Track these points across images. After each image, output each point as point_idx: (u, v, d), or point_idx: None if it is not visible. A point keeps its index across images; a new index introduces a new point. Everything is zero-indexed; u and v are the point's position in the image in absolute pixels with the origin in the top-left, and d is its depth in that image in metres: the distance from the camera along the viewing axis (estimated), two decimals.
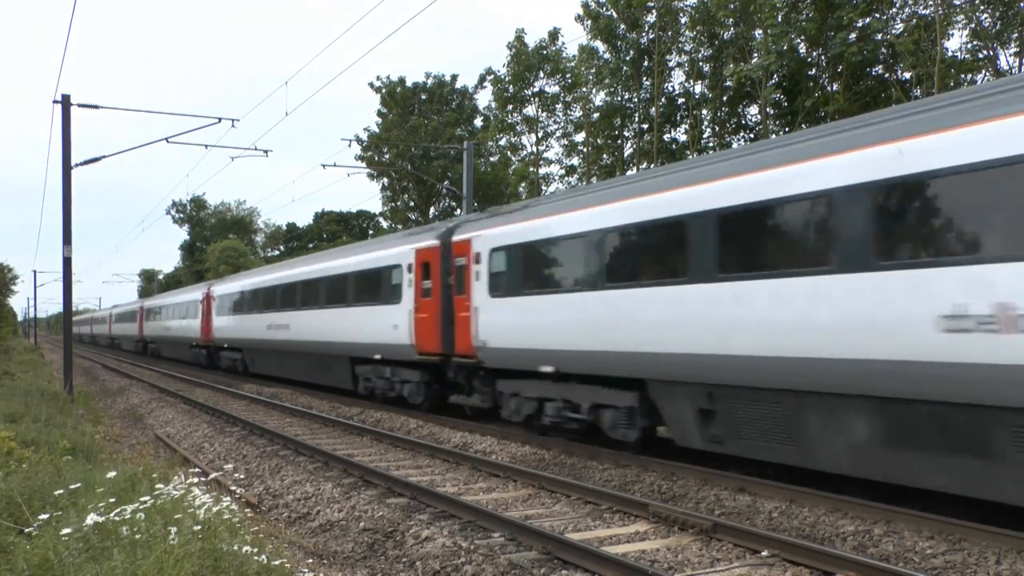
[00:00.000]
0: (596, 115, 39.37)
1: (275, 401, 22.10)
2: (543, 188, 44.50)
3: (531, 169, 45.32)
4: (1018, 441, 7.27)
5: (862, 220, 8.47)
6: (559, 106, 42.97)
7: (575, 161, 42.61)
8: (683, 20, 34.32)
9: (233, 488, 10.00)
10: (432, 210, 54.07)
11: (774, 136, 29.90)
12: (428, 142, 48.88)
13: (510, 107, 43.47)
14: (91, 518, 5.36)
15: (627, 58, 36.21)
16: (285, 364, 26.52)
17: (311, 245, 72.14)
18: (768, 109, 31.30)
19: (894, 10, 27.07)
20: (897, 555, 7.36)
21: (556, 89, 42.65)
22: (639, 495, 9.94)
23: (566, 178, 43.12)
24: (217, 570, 5.06)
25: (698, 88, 35.47)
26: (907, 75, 27.61)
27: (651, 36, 35.33)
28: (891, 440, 8.33)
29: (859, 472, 8.80)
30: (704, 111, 35.49)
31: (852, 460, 8.80)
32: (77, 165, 21.69)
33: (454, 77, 54.42)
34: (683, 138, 36.60)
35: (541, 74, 42.47)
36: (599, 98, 38.77)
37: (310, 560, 7.46)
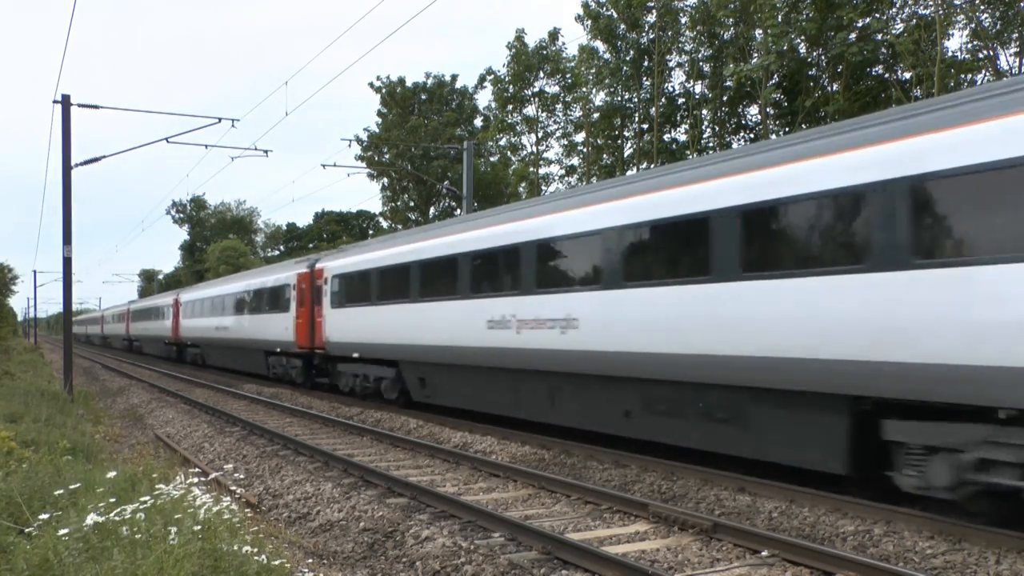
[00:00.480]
0: (596, 115, 39.39)
1: (275, 401, 22.10)
2: (543, 188, 44.52)
3: (531, 169, 45.34)
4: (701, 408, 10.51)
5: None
6: (559, 106, 42.99)
7: (575, 161, 42.65)
8: (683, 20, 34.33)
9: (233, 488, 9.99)
10: (432, 210, 54.10)
11: (774, 136, 29.91)
12: (428, 142, 48.90)
13: (510, 107, 43.48)
14: (91, 518, 5.35)
15: (627, 58, 36.23)
16: (226, 356, 33.81)
17: (311, 245, 72.17)
18: (768, 109, 31.31)
19: (894, 10, 27.09)
20: (897, 555, 7.36)
21: (556, 89, 42.69)
22: (639, 495, 9.94)
23: (566, 178, 43.18)
24: (217, 570, 5.06)
25: (698, 88, 35.52)
26: (907, 75, 27.62)
27: (651, 36, 35.35)
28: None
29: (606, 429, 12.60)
30: (704, 111, 35.51)
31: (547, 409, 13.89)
32: (77, 165, 21.70)
33: (454, 77, 54.47)
34: (683, 138, 36.63)
35: (541, 74, 42.49)
36: (599, 98, 38.84)
37: (310, 560, 7.46)
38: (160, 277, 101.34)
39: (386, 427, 16.86)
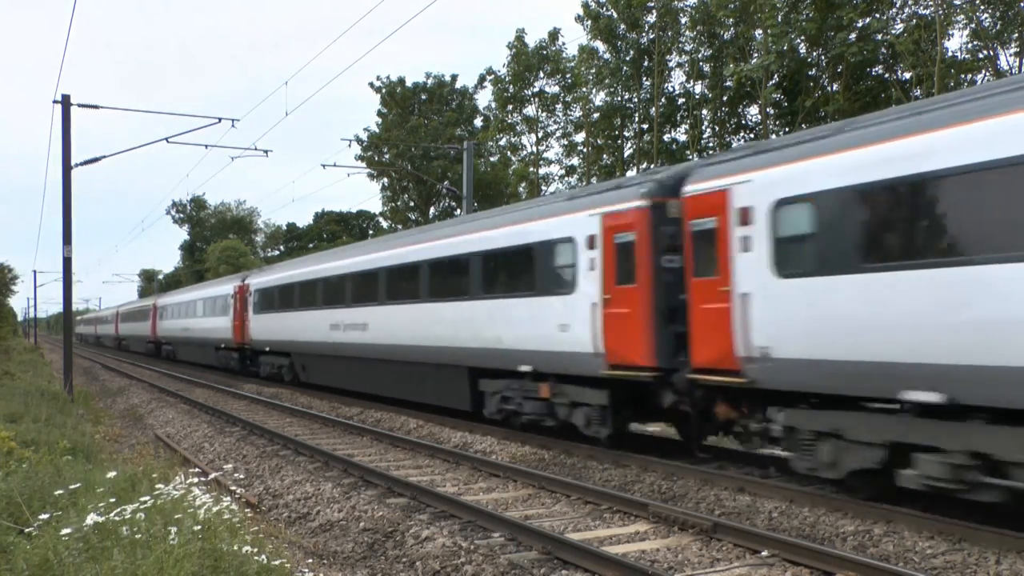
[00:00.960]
0: (596, 115, 39.38)
1: (275, 401, 22.10)
2: (543, 188, 44.51)
3: (531, 169, 45.33)
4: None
5: None
6: (559, 106, 42.97)
7: (575, 161, 42.65)
8: (683, 20, 34.33)
9: (233, 488, 9.99)
10: (432, 210, 54.10)
11: (774, 136, 29.91)
12: (428, 142, 48.87)
13: (510, 107, 43.46)
14: (91, 518, 5.35)
15: (627, 58, 36.23)
16: (190, 352, 32.30)
17: (311, 245, 72.15)
18: (768, 109, 31.31)
19: (894, 10, 27.09)
20: (897, 555, 7.36)
21: (556, 89, 42.67)
22: (639, 495, 9.94)
23: (566, 178, 43.18)
24: (217, 570, 5.06)
25: (698, 88, 35.53)
26: (907, 75, 27.63)
27: (651, 36, 35.35)
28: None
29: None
30: (704, 111, 35.52)
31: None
32: (77, 165, 21.71)
33: (454, 77, 54.43)
34: (683, 138, 36.64)
35: (541, 74, 42.47)
36: (599, 98, 38.82)
37: (310, 560, 7.46)
38: (160, 277, 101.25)
39: (386, 427, 16.87)
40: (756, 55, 30.55)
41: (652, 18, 35.14)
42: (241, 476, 11.82)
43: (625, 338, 11.64)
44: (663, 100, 35.69)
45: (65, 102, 21.10)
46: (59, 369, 29.12)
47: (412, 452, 13.77)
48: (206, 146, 24.15)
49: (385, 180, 54.08)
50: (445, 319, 16.20)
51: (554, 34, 41.82)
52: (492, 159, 50.60)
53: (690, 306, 10.67)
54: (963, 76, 25.82)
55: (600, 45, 37.05)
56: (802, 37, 28.19)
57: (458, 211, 47.78)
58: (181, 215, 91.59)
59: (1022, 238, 7.07)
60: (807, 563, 7.02)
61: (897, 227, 8.19)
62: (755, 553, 7.48)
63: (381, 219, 63.56)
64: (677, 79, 36.56)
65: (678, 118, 36.66)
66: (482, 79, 50.57)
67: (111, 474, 7.09)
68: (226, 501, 6.39)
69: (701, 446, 11.91)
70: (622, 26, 35.83)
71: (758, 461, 11.26)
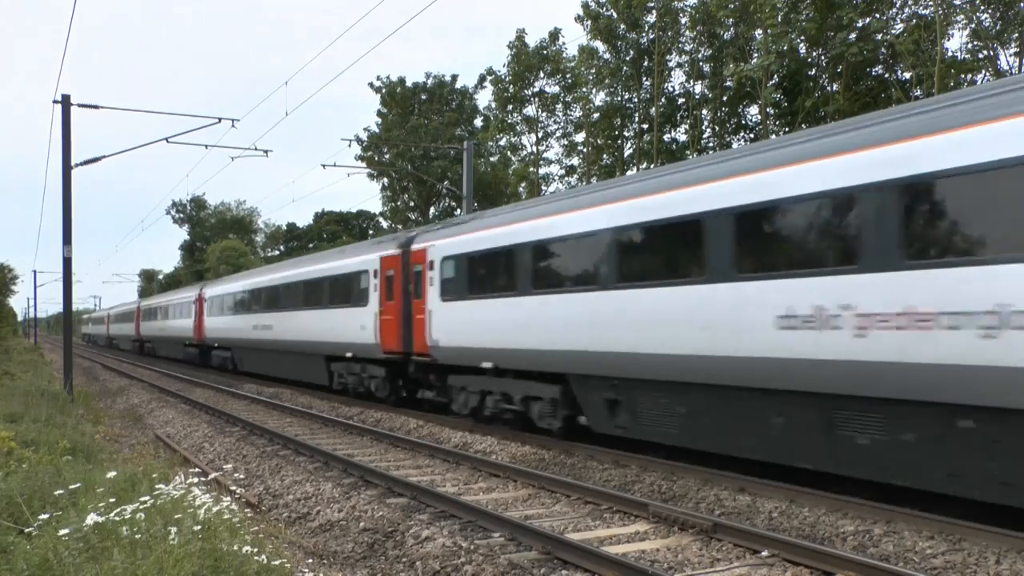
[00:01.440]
0: (596, 115, 39.37)
1: (275, 401, 22.11)
2: (543, 188, 44.51)
3: (531, 169, 45.32)
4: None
5: None
6: (559, 106, 42.96)
7: (575, 161, 42.64)
8: (683, 20, 34.32)
9: (233, 488, 10.00)
10: (432, 210, 54.08)
11: (774, 136, 29.91)
12: (428, 142, 48.85)
13: (510, 107, 43.45)
14: (91, 518, 5.35)
15: (627, 58, 36.22)
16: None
17: (311, 245, 72.09)
18: (768, 109, 31.30)
19: (894, 10, 27.08)
20: (897, 555, 7.36)
21: (556, 89, 42.66)
22: (639, 495, 9.94)
23: (566, 178, 43.17)
24: (217, 570, 5.06)
25: (698, 88, 35.51)
26: (907, 75, 27.61)
27: (651, 36, 35.33)
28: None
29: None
30: (704, 111, 35.50)
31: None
32: (77, 165, 21.70)
33: (454, 77, 54.39)
34: (683, 138, 36.63)
35: (541, 74, 42.47)
36: (599, 98, 38.80)
37: (310, 560, 7.45)
38: (160, 277, 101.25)
39: (386, 427, 16.86)
40: (756, 55, 30.54)
41: (652, 18, 35.14)
42: (241, 476, 11.82)
43: (389, 334, 18.46)
44: (663, 100, 35.69)
45: (65, 102, 21.10)
46: (59, 369, 29.12)
47: (412, 452, 13.77)
48: (206, 146, 24.17)
49: (385, 180, 54.06)
50: (309, 322, 23.59)
51: (554, 34, 41.84)
52: (492, 159, 50.59)
53: (412, 316, 17.53)
54: (963, 76, 25.81)
55: (600, 45, 37.06)
56: (802, 37, 28.18)
57: (458, 211, 47.76)
58: (181, 215, 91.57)
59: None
60: (807, 563, 7.02)
61: (480, 277, 15.07)
62: (755, 553, 7.48)
63: (381, 219, 63.59)
64: (677, 79, 36.60)
65: (678, 118, 36.66)
66: (482, 79, 50.61)
67: (111, 474, 7.08)
68: (226, 501, 6.39)
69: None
70: (622, 26, 35.83)
71: (757, 461, 11.25)
